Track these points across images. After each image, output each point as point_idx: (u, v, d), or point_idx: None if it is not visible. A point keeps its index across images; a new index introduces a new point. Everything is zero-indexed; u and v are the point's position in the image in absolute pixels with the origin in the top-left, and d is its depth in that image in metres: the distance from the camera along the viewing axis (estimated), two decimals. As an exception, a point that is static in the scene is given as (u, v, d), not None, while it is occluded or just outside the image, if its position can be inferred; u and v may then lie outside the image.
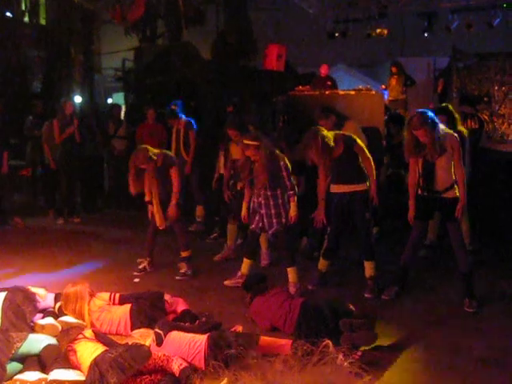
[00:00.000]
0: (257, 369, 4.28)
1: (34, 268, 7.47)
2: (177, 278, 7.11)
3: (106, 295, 5.71)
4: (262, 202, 6.42)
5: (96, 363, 4.28)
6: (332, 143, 6.17)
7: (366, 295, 6.31)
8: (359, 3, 16.63)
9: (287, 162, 6.43)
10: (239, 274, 6.71)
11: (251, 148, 6.28)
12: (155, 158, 6.91)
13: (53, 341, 4.80)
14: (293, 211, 6.36)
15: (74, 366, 4.49)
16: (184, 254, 7.31)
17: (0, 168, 9.88)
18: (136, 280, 7.00)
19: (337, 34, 17.32)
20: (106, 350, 4.43)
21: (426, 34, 17.07)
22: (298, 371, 4.23)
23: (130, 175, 7.00)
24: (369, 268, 6.43)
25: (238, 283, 6.54)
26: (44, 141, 10.31)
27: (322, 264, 6.70)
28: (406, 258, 6.28)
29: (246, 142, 6.34)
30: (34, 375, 4.35)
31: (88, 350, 4.52)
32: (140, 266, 7.34)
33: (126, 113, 14.36)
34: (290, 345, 4.72)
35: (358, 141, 6.33)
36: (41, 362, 4.58)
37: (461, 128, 7.36)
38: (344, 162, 6.31)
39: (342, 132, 6.61)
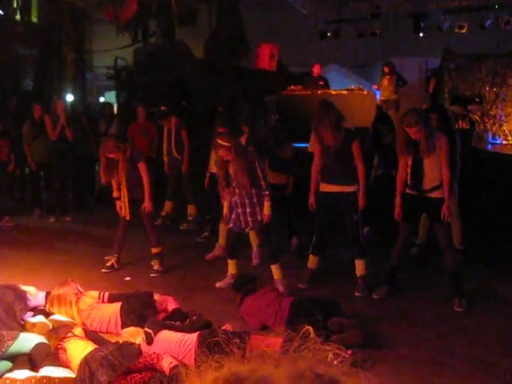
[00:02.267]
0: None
1: (24, 266, 7.45)
2: (151, 275, 7.14)
3: (95, 293, 5.73)
4: (238, 200, 6.46)
5: (86, 361, 4.28)
6: (341, 126, 6.25)
7: (356, 294, 6.34)
8: (351, 3, 16.66)
9: (262, 162, 6.54)
10: (228, 274, 6.76)
11: (224, 148, 6.30)
12: (123, 147, 7.03)
13: (43, 339, 4.80)
14: (266, 210, 6.39)
15: (64, 364, 4.50)
16: (155, 251, 7.34)
17: (7, 166, 9.88)
18: (127, 278, 7.00)
19: (329, 34, 17.35)
20: (96, 348, 4.44)
21: (419, 35, 17.12)
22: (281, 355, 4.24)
23: (101, 164, 7.19)
24: (359, 267, 6.46)
25: (230, 283, 6.57)
26: (24, 142, 10.28)
27: (312, 260, 6.73)
28: (395, 258, 6.32)
29: (219, 141, 6.35)
30: (23, 373, 4.34)
31: (78, 348, 4.53)
32: (108, 264, 7.34)
33: (117, 111, 14.35)
34: (281, 343, 4.72)
35: (358, 140, 6.36)
36: (31, 360, 4.58)
37: (452, 127, 7.41)
38: (338, 157, 6.34)
39: (345, 124, 6.62)
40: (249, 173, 6.31)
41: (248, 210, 6.42)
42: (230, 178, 6.47)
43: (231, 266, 6.75)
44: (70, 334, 4.73)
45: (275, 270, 6.51)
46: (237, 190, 6.44)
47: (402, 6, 17.04)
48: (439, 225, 6.03)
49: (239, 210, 6.47)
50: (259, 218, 6.43)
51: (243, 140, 7.58)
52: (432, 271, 7.09)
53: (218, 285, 6.76)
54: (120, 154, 6.98)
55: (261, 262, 7.48)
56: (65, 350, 4.58)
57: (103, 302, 5.63)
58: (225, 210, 6.73)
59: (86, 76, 18.42)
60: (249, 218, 6.43)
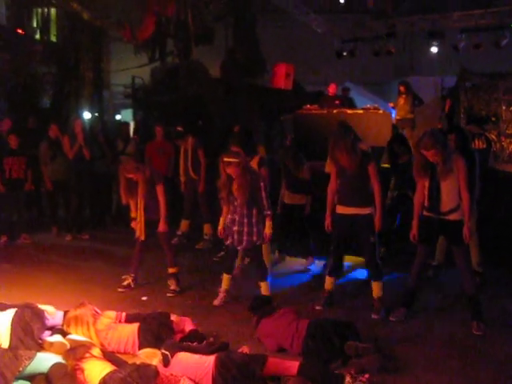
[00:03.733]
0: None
1: (42, 284, 7.50)
2: (168, 295, 7.17)
3: (112, 314, 5.75)
4: (236, 218, 6.54)
5: (105, 382, 4.31)
6: (357, 148, 6.27)
7: (373, 316, 6.30)
8: (367, 22, 16.73)
9: (265, 182, 6.64)
10: (221, 289, 6.86)
11: (232, 165, 6.36)
12: (142, 168, 7.09)
13: (60, 359, 4.81)
14: (268, 229, 6.52)
15: (81, 385, 4.51)
16: (171, 271, 7.38)
17: (24, 184, 9.99)
18: (144, 298, 7.02)
19: (345, 53, 17.42)
20: (114, 370, 4.45)
21: (434, 54, 17.14)
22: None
23: (121, 185, 7.21)
24: (376, 289, 6.44)
25: (223, 299, 6.80)
26: (41, 161, 10.42)
27: (328, 282, 6.73)
28: (412, 280, 6.30)
29: (226, 159, 6.40)
30: None
31: (96, 369, 4.54)
32: (124, 283, 7.38)
33: (134, 129, 14.46)
34: (297, 366, 4.73)
35: (374, 163, 6.38)
36: (48, 380, 4.58)
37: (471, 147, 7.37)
38: (354, 180, 6.34)
39: (361, 146, 6.66)
40: (251, 191, 6.39)
41: (245, 229, 6.51)
42: (233, 196, 6.53)
43: (225, 282, 6.86)
44: (87, 355, 4.72)
45: (264, 286, 6.69)
46: (238, 209, 6.52)
47: (417, 25, 17.11)
48: (457, 247, 6.00)
49: (235, 228, 6.55)
50: (255, 238, 6.52)
51: (255, 161, 7.62)
52: (449, 293, 7.06)
53: (215, 303, 6.82)
54: (139, 175, 7.04)
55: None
56: (82, 370, 4.59)
57: (120, 322, 5.65)
58: (220, 226, 6.81)
59: (102, 94, 18.62)
60: (244, 238, 6.52)
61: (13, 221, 10.13)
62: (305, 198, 8.29)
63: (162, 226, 7.19)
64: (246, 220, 6.50)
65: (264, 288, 6.71)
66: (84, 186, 10.56)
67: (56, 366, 4.65)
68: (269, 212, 6.50)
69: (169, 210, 7.29)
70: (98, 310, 5.70)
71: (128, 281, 7.39)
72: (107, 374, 4.38)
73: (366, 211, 6.35)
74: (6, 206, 9.99)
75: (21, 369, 4.55)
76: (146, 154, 10.52)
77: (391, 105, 14.31)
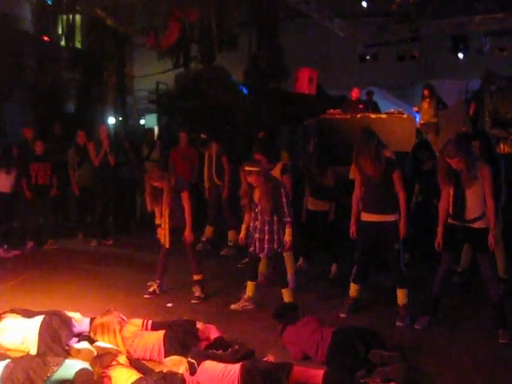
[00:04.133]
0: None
1: (68, 290, 7.58)
2: (192, 301, 7.21)
3: (138, 321, 5.79)
4: (258, 226, 6.60)
5: (132, 390, 4.36)
6: (382, 156, 6.28)
7: (398, 324, 6.28)
8: (390, 27, 16.67)
9: (286, 189, 6.71)
10: (245, 296, 6.93)
11: (253, 174, 6.45)
12: (168, 176, 7.17)
13: (87, 366, 4.86)
14: (287, 236, 6.57)
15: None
16: (196, 278, 7.42)
17: (50, 190, 10.10)
18: (169, 305, 7.06)
19: (368, 57, 17.38)
20: (141, 377, 4.50)
21: (458, 57, 17.02)
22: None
23: (146, 192, 7.31)
24: (401, 296, 6.42)
25: (246, 306, 6.85)
26: (69, 167, 10.57)
27: (353, 289, 6.72)
28: (436, 288, 6.27)
29: (247, 168, 6.50)
30: None
31: (123, 377, 4.59)
32: (150, 289, 7.44)
33: (158, 135, 14.56)
34: (322, 375, 4.73)
35: (398, 170, 6.36)
36: None
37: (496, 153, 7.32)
38: (378, 187, 6.33)
39: (385, 153, 6.66)
40: (273, 198, 6.46)
41: (266, 236, 6.57)
42: (254, 204, 6.62)
43: (249, 289, 6.92)
44: (114, 362, 4.78)
45: (286, 293, 6.73)
46: (259, 216, 6.58)
47: (441, 28, 17.01)
48: (482, 255, 5.96)
49: (256, 236, 6.62)
50: (276, 246, 6.57)
51: (278, 168, 7.64)
52: (475, 300, 7.01)
53: (233, 307, 6.90)
54: (164, 183, 7.10)
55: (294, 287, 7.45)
56: (109, 378, 4.64)
57: (146, 329, 5.69)
58: (241, 234, 6.92)
59: (126, 99, 18.78)
60: (265, 245, 6.59)
61: (39, 226, 10.25)
62: (328, 205, 8.29)
63: (187, 234, 7.23)
64: (267, 227, 6.56)
65: (286, 295, 6.74)
66: (109, 192, 10.66)
67: (82, 371, 4.70)
68: (289, 219, 6.55)
69: (193, 217, 7.34)
70: (124, 318, 5.76)
71: (153, 287, 7.45)
72: (134, 382, 4.43)
73: (390, 218, 6.34)
74: (32, 211, 10.10)
75: (49, 374, 4.61)
76: (170, 161, 10.60)
77: (415, 109, 14.24)
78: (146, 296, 7.35)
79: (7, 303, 6.48)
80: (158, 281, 7.48)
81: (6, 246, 9.69)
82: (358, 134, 6.64)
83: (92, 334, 5.52)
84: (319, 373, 4.77)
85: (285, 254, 7.04)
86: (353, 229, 6.57)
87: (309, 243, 8.70)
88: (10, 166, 9.64)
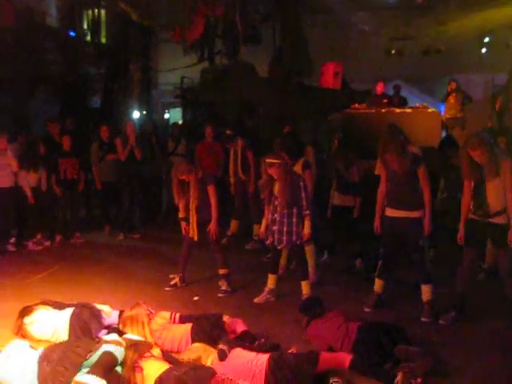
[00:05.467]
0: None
1: (96, 283, 7.72)
2: (219, 295, 7.30)
3: (166, 314, 5.88)
4: (277, 218, 6.72)
5: (161, 380, 4.42)
6: (408, 152, 6.31)
7: (422, 319, 6.31)
8: (415, 20, 16.57)
9: (305, 183, 6.80)
10: (266, 289, 7.04)
11: (274, 166, 6.56)
12: (195, 170, 7.26)
13: (122, 350, 4.70)
14: (306, 229, 6.68)
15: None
16: (222, 272, 7.51)
17: (78, 184, 10.24)
18: (195, 298, 7.15)
19: (393, 51, 17.31)
20: (170, 367, 4.57)
21: (484, 50, 16.89)
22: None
23: (173, 186, 7.42)
24: (426, 292, 6.43)
25: (268, 299, 6.99)
26: (92, 162, 10.66)
27: (378, 284, 6.75)
28: (460, 283, 6.29)
29: (268, 160, 6.61)
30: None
31: (154, 368, 4.63)
32: (172, 282, 7.57)
33: (182, 128, 14.64)
34: (350, 360, 4.79)
35: (424, 165, 6.36)
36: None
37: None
38: (404, 182, 6.35)
39: (412, 149, 6.68)
40: (292, 191, 6.57)
41: (285, 229, 6.69)
42: (274, 196, 6.73)
43: (270, 281, 7.03)
44: (148, 354, 4.80)
45: (305, 286, 6.86)
46: (278, 209, 6.69)
47: (467, 22, 16.87)
48: (501, 250, 5.98)
49: (275, 228, 6.74)
50: (294, 238, 6.69)
51: (300, 164, 7.69)
52: (500, 297, 6.97)
53: (256, 300, 6.99)
54: (191, 176, 7.19)
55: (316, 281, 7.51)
56: (141, 369, 4.65)
57: (174, 322, 5.79)
58: (262, 228, 7.03)
59: (151, 93, 18.88)
60: (284, 237, 6.71)
61: (67, 220, 10.40)
62: (354, 200, 8.32)
63: (212, 227, 7.32)
64: (285, 220, 6.67)
65: (305, 287, 6.85)
66: (135, 187, 10.77)
67: (106, 353, 4.54)
68: (307, 212, 6.66)
69: (219, 211, 7.42)
70: (152, 310, 5.85)
71: (175, 280, 7.57)
72: (163, 372, 4.50)
73: (415, 214, 6.35)
74: (61, 206, 10.23)
75: (87, 357, 4.56)
76: (196, 155, 10.67)
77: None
78: (167, 288, 7.48)
79: (37, 295, 6.58)
80: (180, 274, 7.60)
81: (38, 237, 9.85)
82: (384, 129, 6.67)
83: (121, 327, 5.60)
84: (347, 357, 4.83)
85: (306, 248, 7.12)
86: (377, 224, 6.61)
87: (334, 238, 8.74)
88: (37, 163, 9.74)
